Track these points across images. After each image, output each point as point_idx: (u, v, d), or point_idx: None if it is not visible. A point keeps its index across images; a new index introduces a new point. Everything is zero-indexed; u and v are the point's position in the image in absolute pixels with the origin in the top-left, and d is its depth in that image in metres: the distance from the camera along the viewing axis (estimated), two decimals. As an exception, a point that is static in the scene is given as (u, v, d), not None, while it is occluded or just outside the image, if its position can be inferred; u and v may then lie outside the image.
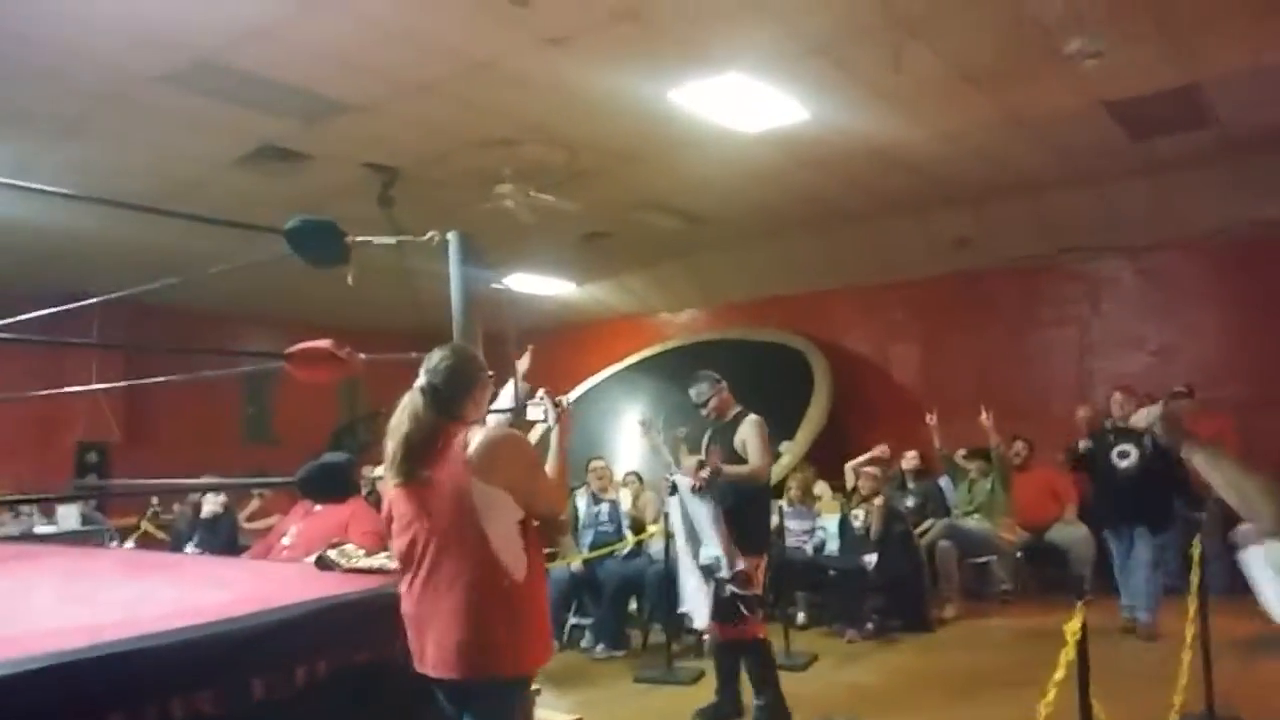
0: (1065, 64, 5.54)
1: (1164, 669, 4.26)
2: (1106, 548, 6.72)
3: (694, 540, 4.72)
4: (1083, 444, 6.70)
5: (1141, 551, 6.21)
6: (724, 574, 4.52)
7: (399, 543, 2.60)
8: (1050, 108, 6.46)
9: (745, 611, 4.53)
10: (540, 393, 3.15)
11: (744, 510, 4.64)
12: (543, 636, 2.63)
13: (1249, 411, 8.21)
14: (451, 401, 2.60)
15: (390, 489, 2.65)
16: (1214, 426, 7.60)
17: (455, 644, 2.46)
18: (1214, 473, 1.96)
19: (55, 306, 3.82)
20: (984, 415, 7.46)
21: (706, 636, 6.51)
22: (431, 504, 2.52)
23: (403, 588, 2.60)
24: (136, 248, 7.76)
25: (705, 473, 4.62)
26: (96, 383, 7.63)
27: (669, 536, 6.24)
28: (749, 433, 4.73)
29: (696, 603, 4.68)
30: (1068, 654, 2.93)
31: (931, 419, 7.92)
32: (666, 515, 6.44)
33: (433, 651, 2.51)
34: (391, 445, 2.58)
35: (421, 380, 2.62)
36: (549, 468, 2.76)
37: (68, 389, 6.71)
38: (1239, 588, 2.18)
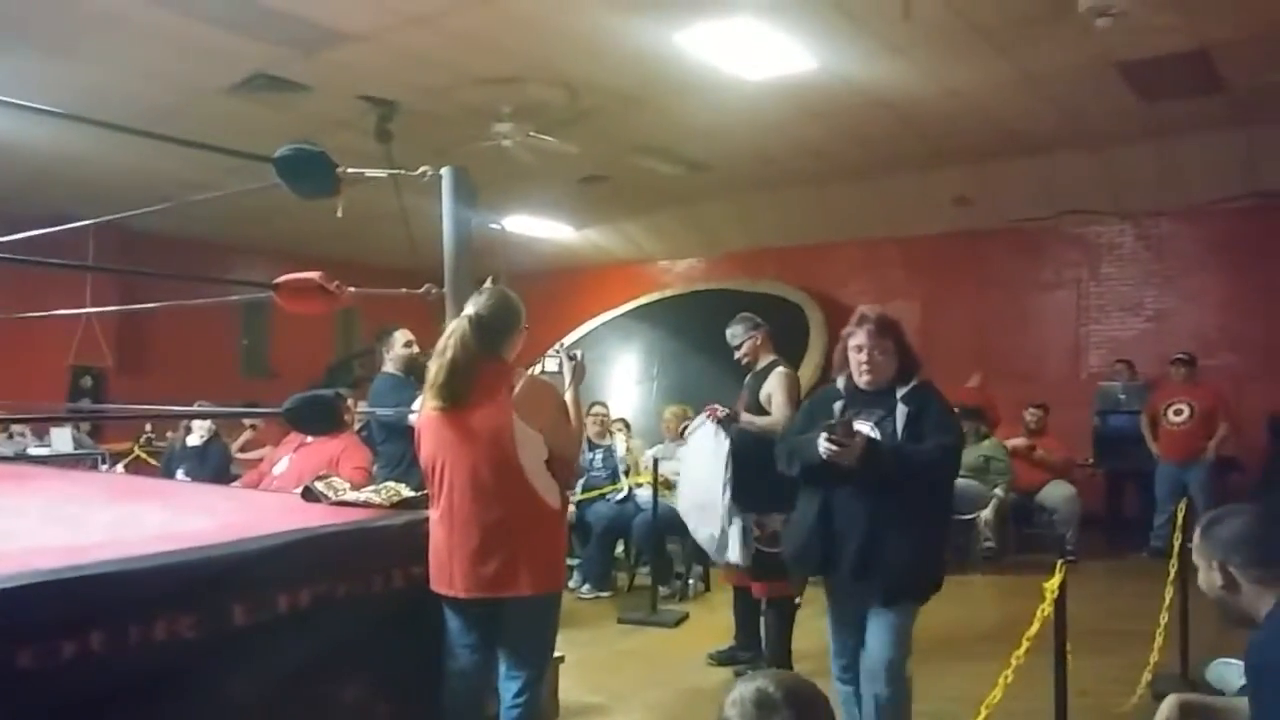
0: (1078, 21, 5.44)
1: (1142, 630, 4.30)
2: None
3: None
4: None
5: (878, 645, 3.04)
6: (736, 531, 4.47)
7: (429, 465, 2.76)
8: (1061, 65, 6.36)
9: (775, 570, 4.40)
10: (556, 346, 3.29)
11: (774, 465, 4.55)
12: (564, 560, 2.94)
13: (1243, 381, 8.24)
14: (496, 336, 2.78)
15: (427, 411, 2.79)
16: (1212, 393, 7.62)
17: (499, 565, 2.64)
18: None
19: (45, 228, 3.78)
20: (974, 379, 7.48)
21: (692, 580, 6.61)
22: (472, 433, 2.67)
23: (433, 513, 2.76)
24: (127, 173, 7.66)
25: (722, 412, 4.65)
26: (90, 307, 7.58)
27: (657, 485, 6.28)
28: (774, 385, 4.54)
29: (733, 545, 4.56)
30: (1044, 610, 2.96)
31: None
32: (655, 462, 6.49)
33: (467, 573, 2.66)
34: (435, 368, 2.73)
35: (469, 311, 2.77)
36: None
37: (61, 311, 6.67)
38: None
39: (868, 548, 2.96)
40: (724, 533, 4.59)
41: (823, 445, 2.86)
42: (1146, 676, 3.87)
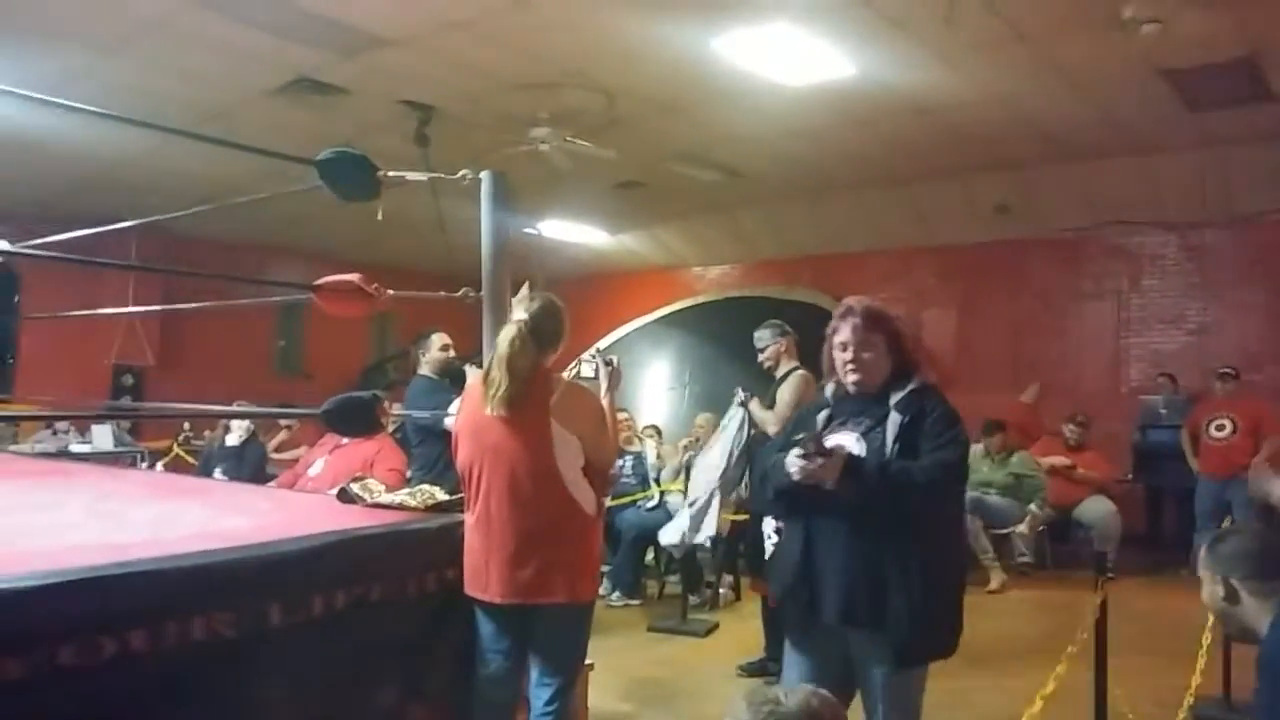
0: (1123, 28, 5.36)
1: (1183, 650, 4.21)
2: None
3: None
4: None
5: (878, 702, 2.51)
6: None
7: (466, 470, 2.77)
8: (1105, 72, 6.27)
9: None
10: (592, 351, 3.33)
11: None
12: (599, 568, 2.95)
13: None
14: (547, 342, 2.77)
15: (466, 415, 2.81)
16: (1255, 408, 7.45)
17: (534, 571, 2.63)
18: None
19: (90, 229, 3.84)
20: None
21: (722, 590, 6.58)
22: (511, 438, 2.68)
23: (469, 518, 2.75)
24: (172, 175, 7.78)
25: (743, 396, 5.00)
26: (133, 307, 7.73)
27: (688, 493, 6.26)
28: (786, 386, 4.73)
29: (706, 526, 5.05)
30: (1083, 630, 2.91)
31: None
32: (688, 469, 6.48)
33: (503, 578, 2.65)
34: (499, 374, 2.69)
35: (522, 316, 2.75)
36: None
37: (105, 310, 6.80)
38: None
39: (853, 588, 2.41)
40: (703, 509, 4.85)
41: (792, 463, 2.41)
42: (1189, 700, 3.79)
